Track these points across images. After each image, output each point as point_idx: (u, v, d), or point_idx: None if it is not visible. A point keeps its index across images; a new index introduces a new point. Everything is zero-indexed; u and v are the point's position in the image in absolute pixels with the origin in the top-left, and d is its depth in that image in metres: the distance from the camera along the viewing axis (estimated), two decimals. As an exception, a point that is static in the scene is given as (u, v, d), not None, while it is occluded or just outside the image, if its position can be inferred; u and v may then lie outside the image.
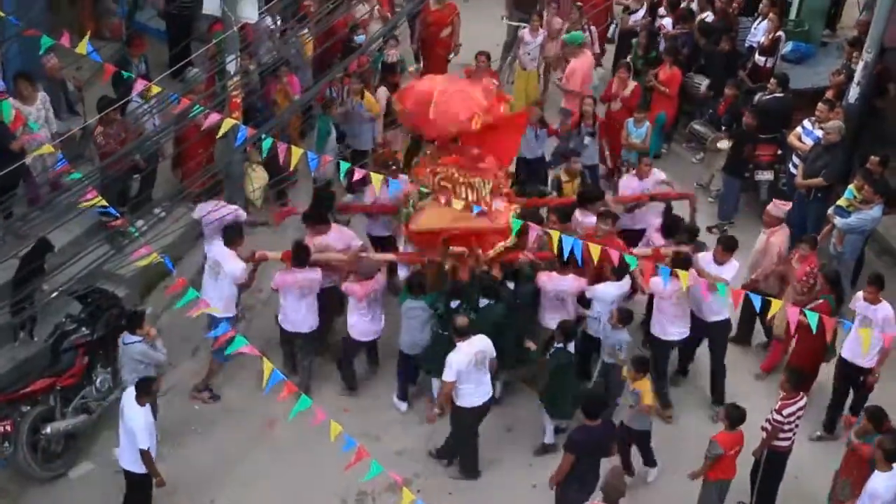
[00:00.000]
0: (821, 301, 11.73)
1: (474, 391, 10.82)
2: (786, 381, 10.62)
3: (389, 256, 12.47)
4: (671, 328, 11.92)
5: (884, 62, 15.02)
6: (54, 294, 10.70)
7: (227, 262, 11.59)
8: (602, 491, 9.51)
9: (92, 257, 9.71)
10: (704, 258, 12.10)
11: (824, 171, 13.91)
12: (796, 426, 10.61)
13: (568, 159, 14.19)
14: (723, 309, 11.95)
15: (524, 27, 17.63)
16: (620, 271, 11.70)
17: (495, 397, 11.43)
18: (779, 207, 12.89)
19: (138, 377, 10.37)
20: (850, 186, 13.34)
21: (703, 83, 16.50)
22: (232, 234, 11.75)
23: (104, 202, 10.30)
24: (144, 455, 9.97)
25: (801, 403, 10.53)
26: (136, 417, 9.91)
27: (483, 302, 11.46)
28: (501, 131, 12.43)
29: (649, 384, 10.81)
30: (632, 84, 15.77)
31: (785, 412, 10.44)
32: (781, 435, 10.54)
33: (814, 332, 10.44)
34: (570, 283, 11.72)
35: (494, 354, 10.88)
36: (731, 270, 11.93)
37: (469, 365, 10.66)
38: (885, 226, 13.99)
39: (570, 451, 10.04)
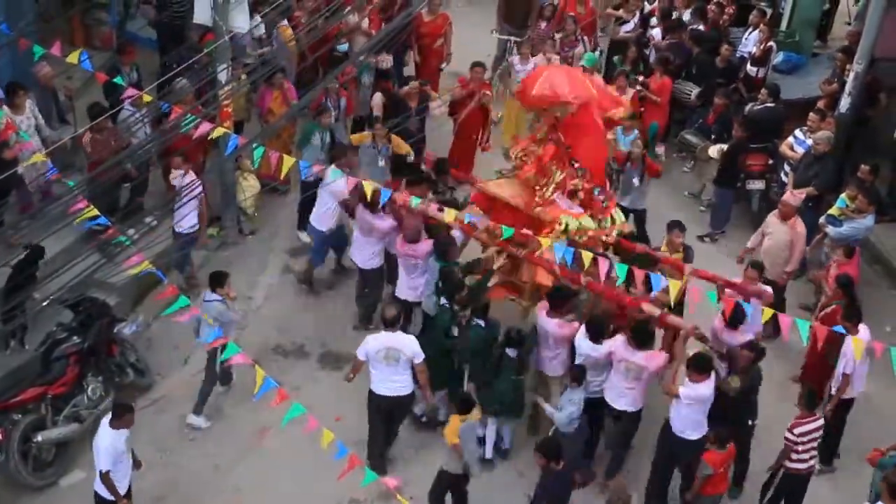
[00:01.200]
0: (834, 306, 11.82)
1: (381, 380, 10.95)
2: (801, 398, 10.44)
3: (449, 219, 12.00)
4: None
5: (874, 72, 15.08)
6: (46, 303, 10.67)
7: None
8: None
9: (83, 266, 9.72)
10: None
11: (815, 180, 13.97)
12: (813, 448, 10.43)
13: None
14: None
15: (513, 41, 17.67)
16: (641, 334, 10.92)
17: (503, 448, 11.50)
18: (796, 197, 12.94)
19: (211, 333, 10.73)
20: (842, 196, 13.40)
21: (692, 91, 16.54)
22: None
23: (95, 212, 10.31)
24: (104, 478, 9.74)
25: (816, 424, 10.35)
26: (102, 437, 9.73)
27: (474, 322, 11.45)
28: (592, 138, 12.35)
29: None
30: (630, 92, 15.78)
31: (797, 431, 10.25)
32: (795, 456, 10.34)
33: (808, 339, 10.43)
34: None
35: (418, 360, 10.85)
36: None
37: (378, 354, 10.81)
38: (877, 235, 14.03)
39: None
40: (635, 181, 14.24)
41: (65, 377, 11.06)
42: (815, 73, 16.65)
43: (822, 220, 13.41)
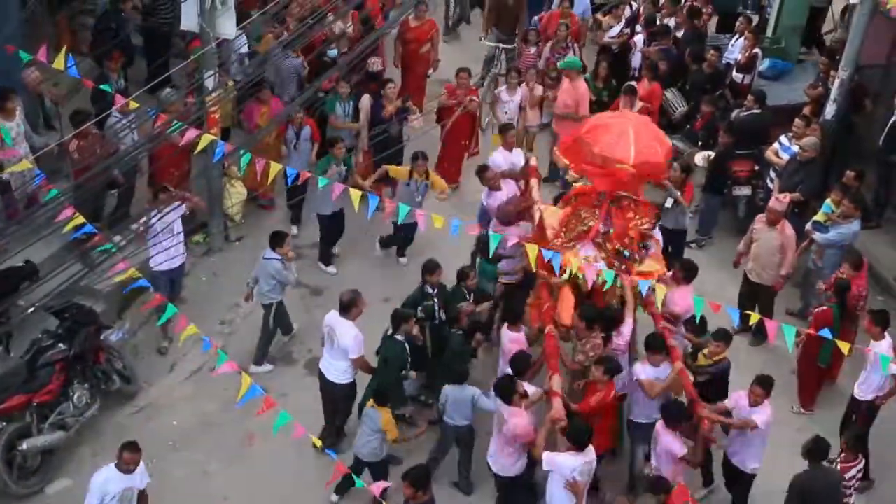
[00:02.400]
0: (824, 308, 12.02)
1: (323, 357, 11.36)
2: (846, 443, 10.52)
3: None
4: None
5: (859, 79, 15.15)
6: (31, 309, 10.64)
7: None
8: None
9: (69, 273, 9.69)
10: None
11: (801, 186, 14.02)
12: (855, 489, 10.53)
13: None
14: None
15: (503, 48, 17.66)
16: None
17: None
18: (781, 202, 13.00)
19: (271, 290, 11.91)
20: (827, 201, 13.47)
21: (678, 109, 16.53)
22: None
23: (82, 219, 10.28)
24: None
25: (860, 466, 10.47)
26: (100, 473, 9.55)
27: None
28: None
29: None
30: (639, 105, 15.69)
31: (847, 476, 10.35)
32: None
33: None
34: None
35: (346, 347, 11.01)
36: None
37: (324, 328, 11.28)
38: (863, 242, 14.03)
39: None
40: (668, 203, 13.86)
41: (50, 385, 11.01)
42: (801, 80, 16.68)
43: (808, 226, 13.46)
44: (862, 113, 15.41)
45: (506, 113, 16.06)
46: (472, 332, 11.62)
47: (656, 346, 10.85)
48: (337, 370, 11.27)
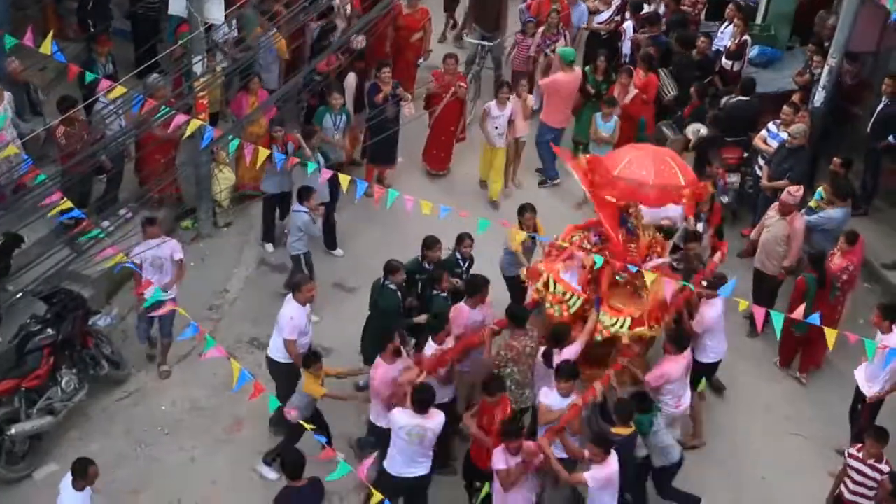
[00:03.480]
0: (799, 277, 12.32)
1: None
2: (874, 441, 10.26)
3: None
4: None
5: (861, 69, 15.21)
6: (19, 294, 10.62)
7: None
8: None
9: (58, 258, 9.67)
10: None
11: (789, 173, 14.05)
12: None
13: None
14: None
15: (486, 45, 17.31)
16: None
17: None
18: (793, 195, 13.04)
19: (297, 241, 12.37)
20: (819, 188, 13.60)
21: (670, 93, 16.53)
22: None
23: (69, 204, 10.25)
24: None
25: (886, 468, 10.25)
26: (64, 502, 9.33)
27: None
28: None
29: None
30: (632, 92, 15.68)
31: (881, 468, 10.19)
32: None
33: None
34: None
35: (282, 327, 11.06)
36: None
37: None
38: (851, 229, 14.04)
39: None
40: (700, 226, 13.23)
41: (39, 370, 10.99)
42: (790, 67, 16.67)
43: (801, 212, 13.51)
44: (863, 104, 15.39)
45: (496, 128, 15.27)
46: (455, 296, 11.65)
47: (567, 375, 10.33)
48: (275, 347, 11.30)
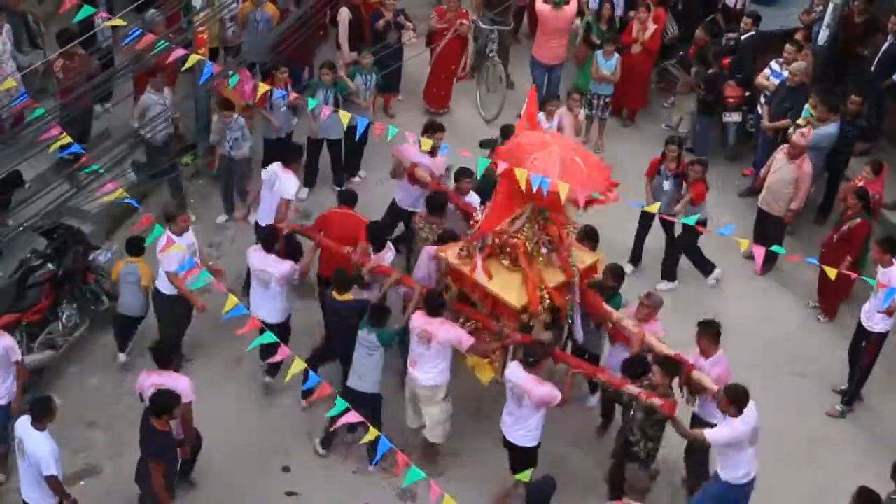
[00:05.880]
0: (858, 220, 12.29)
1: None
2: None
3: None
4: None
5: (869, 5, 15.08)
6: (19, 229, 10.62)
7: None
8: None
9: (57, 193, 9.64)
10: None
11: (791, 112, 13.99)
12: None
13: None
14: None
15: (496, 30, 16.04)
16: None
17: None
18: (804, 136, 13.02)
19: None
20: (807, 106, 13.66)
21: (671, 32, 16.40)
22: None
23: (69, 139, 10.20)
24: (51, 482, 9.04)
25: None
26: (38, 445, 8.93)
27: None
28: None
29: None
30: (652, 27, 15.48)
31: None
32: None
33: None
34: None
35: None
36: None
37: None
38: (853, 169, 13.95)
39: None
40: (666, 185, 12.90)
41: (39, 304, 11.06)
42: (794, 4, 16.53)
43: (790, 130, 13.54)
44: (869, 44, 15.22)
45: None
46: (442, 241, 11.33)
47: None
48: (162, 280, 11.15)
